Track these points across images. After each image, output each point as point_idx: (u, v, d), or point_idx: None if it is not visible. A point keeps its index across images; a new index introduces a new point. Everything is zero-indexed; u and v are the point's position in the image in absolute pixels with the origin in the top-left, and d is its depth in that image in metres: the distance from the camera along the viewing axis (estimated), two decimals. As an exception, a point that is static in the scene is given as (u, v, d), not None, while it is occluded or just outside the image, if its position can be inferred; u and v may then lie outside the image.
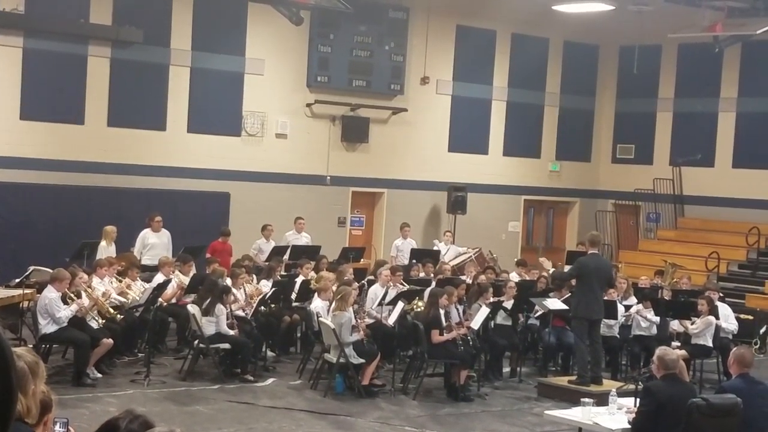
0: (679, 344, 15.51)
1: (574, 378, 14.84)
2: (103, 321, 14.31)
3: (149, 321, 15.15)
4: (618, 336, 16.42)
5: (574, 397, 12.46)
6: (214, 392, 13.82)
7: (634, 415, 9.50)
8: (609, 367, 16.14)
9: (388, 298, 15.60)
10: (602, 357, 15.29)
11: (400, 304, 15.33)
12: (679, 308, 16.58)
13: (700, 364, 15.69)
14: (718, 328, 16.02)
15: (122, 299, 15.08)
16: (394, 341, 15.74)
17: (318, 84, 23.68)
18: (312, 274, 17.31)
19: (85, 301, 13.93)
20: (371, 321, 15.32)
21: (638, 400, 9.58)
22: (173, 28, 21.87)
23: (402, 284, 16.48)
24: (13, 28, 20.02)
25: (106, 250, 17.94)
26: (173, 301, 16.15)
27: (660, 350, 9.63)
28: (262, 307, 15.88)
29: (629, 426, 9.51)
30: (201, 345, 14.57)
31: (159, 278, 15.94)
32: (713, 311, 16.01)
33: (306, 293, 16.42)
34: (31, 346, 14.02)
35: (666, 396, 9.02)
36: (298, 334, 16.98)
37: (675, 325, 16.34)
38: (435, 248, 22.30)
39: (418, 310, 15.55)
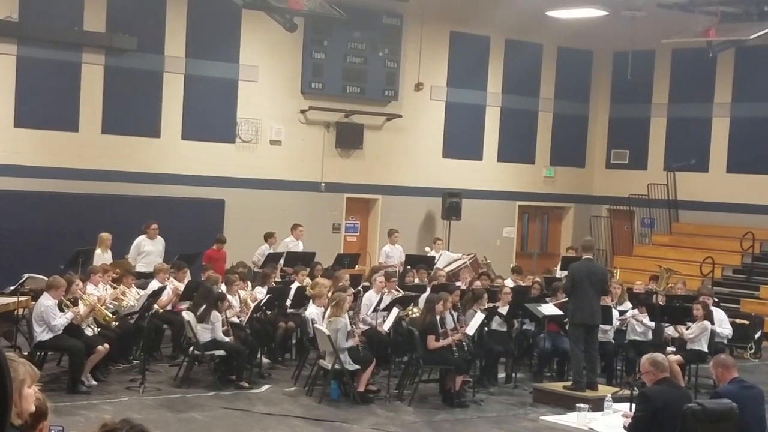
0: (674, 349, 15.54)
1: (569, 383, 14.84)
2: (99, 329, 14.29)
3: (144, 328, 15.14)
4: (613, 341, 16.41)
5: (570, 403, 12.48)
6: (209, 399, 13.81)
7: (629, 419, 9.51)
8: (604, 373, 16.11)
9: (382, 305, 15.59)
10: (598, 363, 15.28)
11: (395, 311, 15.34)
12: (674, 313, 16.59)
13: (695, 369, 15.70)
14: (713, 333, 16.03)
15: (116, 303, 15.05)
16: (388, 347, 15.73)
17: (312, 90, 23.69)
18: (307, 280, 17.31)
19: (81, 308, 13.91)
20: (366, 327, 15.32)
21: (634, 405, 9.57)
22: (167, 35, 21.88)
23: (397, 290, 16.48)
24: (7, 35, 20.03)
25: (101, 257, 17.93)
26: (168, 308, 16.13)
27: (648, 357, 9.48)
28: (257, 314, 15.86)
29: (625, 431, 9.51)
30: (196, 352, 14.55)
31: (154, 285, 15.92)
32: (708, 316, 16.02)
33: (301, 300, 16.42)
34: (26, 353, 14.05)
35: (662, 401, 9.02)
36: (293, 341, 16.98)
37: (670, 330, 16.36)
38: (429, 254, 22.30)
39: (414, 316, 15.55)
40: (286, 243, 20.68)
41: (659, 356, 9.54)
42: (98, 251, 18.12)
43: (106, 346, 13.92)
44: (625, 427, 9.51)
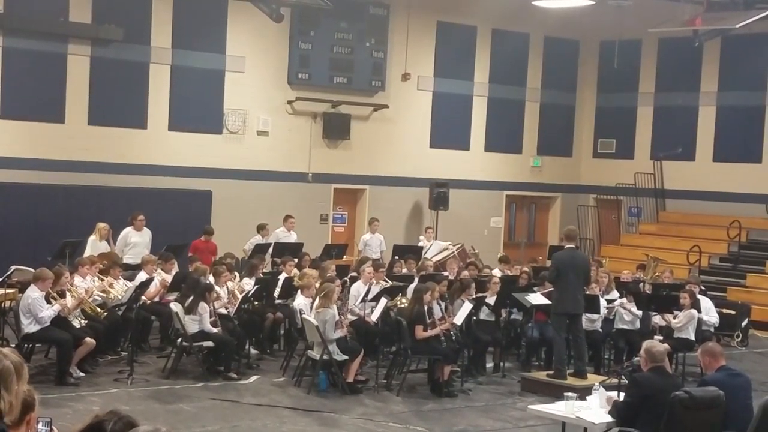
0: (661, 338, 15.57)
1: (552, 372, 14.88)
2: (86, 320, 14.28)
3: (132, 319, 15.11)
4: (601, 330, 16.44)
5: (558, 392, 12.50)
6: (197, 390, 13.80)
7: (610, 405, 9.53)
8: (592, 362, 16.14)
9: (370, 295, 15.59)
10: (585, 351, 15.30)
11: (383, 301, 15.34)
12: (661, 302, 16.63)
13: (683, 357, 15.74)
14: (700, 322, 16.07)
15: (103, 295, 15.04)
16: (376, 338, 15.74)
17: (299, 81, 23.66)
18: (295, 271, 17.30)
19: (69, 300, 13.88)
20: (354, 318, 15.31)
21: (624, 390, 9.58)
22: (153, 25, 21.83)
23: (385, 281, 16.48)
24: (-7, 27, 19.96)
25: (94, 244, 17.98)
26: (156, 299, 16.12)
27: (647, 343, 9.69)
28: (245, 305, 15.85)
29: (609, 415, 9.52)
30: (184, 343, 14.54)
31: (141, 277, 15.90)
32: (695, 305, 16.06)
33: (289, 290, 16.41)
34: (13, 345, 14.02)
35: (653, 388, 9.06)
36: (282, 332, 16.98)
37: (657, 319, 16.40)
38: (420, 244, 22.30)
39: (402, 306, 15.55)
40: (277, 234, 20.68)
41: (657, 348, 9.50)
42: (92, 238, 18.16)
43: (93, 341, 13.88)
44: (609, 412, 9.53)
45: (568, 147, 28.59)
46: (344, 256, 21.20)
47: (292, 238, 20.70)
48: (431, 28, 25.72)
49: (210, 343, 14.56)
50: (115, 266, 15.96)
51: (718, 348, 9.99)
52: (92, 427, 4.09)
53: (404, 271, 18.37)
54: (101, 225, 18.43)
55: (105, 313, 14.75)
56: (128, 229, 18.82)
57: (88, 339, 13.80)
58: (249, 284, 16.34)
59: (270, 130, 23.45)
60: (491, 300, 16.11)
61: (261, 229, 20.50)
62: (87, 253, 17.33)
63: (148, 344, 16.36)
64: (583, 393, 10.95)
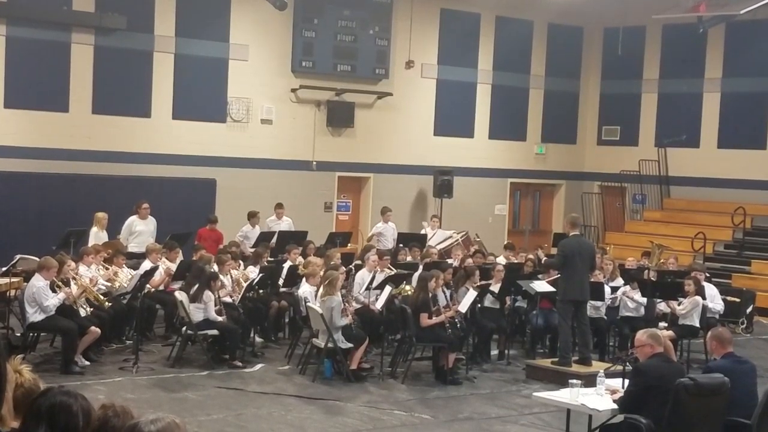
0: (666, 325, 15.57)
1: (557, 359, 14.88)
2: (92, 309, 14.29)
3: (137, 308, 15.13)
4: (605, 317, 16.44)
5: (562, 379, 12.50)
6: (202, 378, 13.82)
7: (619, 395, 9.53)
8: (596, 349, 16.15)
9: (375, 283, 15.60)
10: (590, 338, 15.30)
11: (388, 289, 15.34)
12: (665, 289, 16.61)
13: (687, 344, 15.75)
14: (704, 309, 16.06)
15: (108, 284, 15.06)
16: (381, 326, 15.75)
17: (303, 69, 23.64)
18: (299, 259, 17.30)
19: (74, 289, 13.90)
20: (358, 306, 15.33)
21: (628, 379, 9.58)
22: (156, 14, 21.81)
23: (389, 269, 16.48)
24: (-4, 16, 19.96)
25: (97, 235, 17.97)
26: (161, 287, 16.13)
27: (645, 330, 9.60)
28: (250, 293, 15.86)
29: (616, 406, 9.53)
30: (189, 331, 14.55)
31: (146, 265, 15.90)
32: (700, 292, 16.04)
33: (293, 279, 16.41)
34: (19, 334, 14.07)
35: (656, 376, 9.04)
36: (286, 320, 16.99)
37: (662, 306, 16.39)
38: (423, 231, 22.32)
39: (406, 294, 15.55)
40: (268, 222, 20.70)
41: (656, 330, 9.56)
42: (94, 229, 18.15)
43: (98, 330, 13.90)
44: (615, 401, 9.54)
45: (572, 134, 28.56)
46: (348, 244, 21.20)
47: (284, 225, 20.66)
48: (435, 16, 25.69)
49: (215, 332, 14.58)
50: (119, 255, 15.97)
51: (728, 334, 9.94)
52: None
53: (409, 258, 18.37)
54: (100, 215, 18.43)
55: (109, 303, 14.75)
56: (133, 218, 18.83)
57: (93, 328, 13.84)
58: (253, 272, 16.34)
59: (274, 119, 23.45)
60: (496, 287, 16.11)
61: (251, 216, 20.46)
62: (90, 244, 17.33)
63: (153, 333, 16.38)
64: (588, 380, 10.95)
